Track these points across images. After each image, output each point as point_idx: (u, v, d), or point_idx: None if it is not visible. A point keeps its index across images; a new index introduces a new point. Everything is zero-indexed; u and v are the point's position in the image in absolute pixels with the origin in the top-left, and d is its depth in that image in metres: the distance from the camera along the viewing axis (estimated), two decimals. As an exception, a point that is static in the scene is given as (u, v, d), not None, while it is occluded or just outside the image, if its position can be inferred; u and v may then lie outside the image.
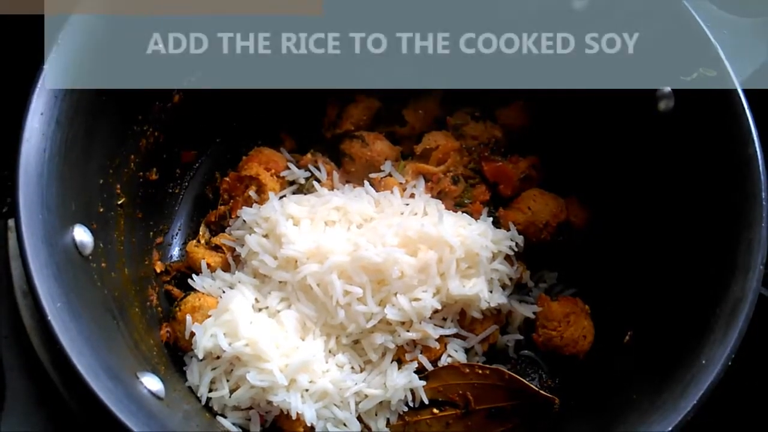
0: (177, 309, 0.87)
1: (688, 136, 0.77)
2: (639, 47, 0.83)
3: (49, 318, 0.58)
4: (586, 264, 0.95)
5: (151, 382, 0.68)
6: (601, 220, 0.94)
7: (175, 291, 0.92)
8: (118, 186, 0.82)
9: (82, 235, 0.70)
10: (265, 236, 0.90)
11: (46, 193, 0.65)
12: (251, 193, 0.95)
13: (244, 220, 0.93)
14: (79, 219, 0.70)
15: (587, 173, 0.94)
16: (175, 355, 0.87)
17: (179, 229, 0.99)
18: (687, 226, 0.77)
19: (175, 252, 0.98)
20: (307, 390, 0.82)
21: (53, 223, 0.65)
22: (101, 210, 0.78)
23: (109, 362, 0.61)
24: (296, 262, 0.87)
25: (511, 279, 0.92)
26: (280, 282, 0.88)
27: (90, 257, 0.71)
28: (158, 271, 0.93)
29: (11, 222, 0.66)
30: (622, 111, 0.86)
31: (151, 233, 0.93)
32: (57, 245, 0.64)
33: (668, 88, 0.80)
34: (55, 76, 0.68)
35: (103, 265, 0.74)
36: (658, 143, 0.81)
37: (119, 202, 0.83)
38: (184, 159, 0.99)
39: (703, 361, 0.64)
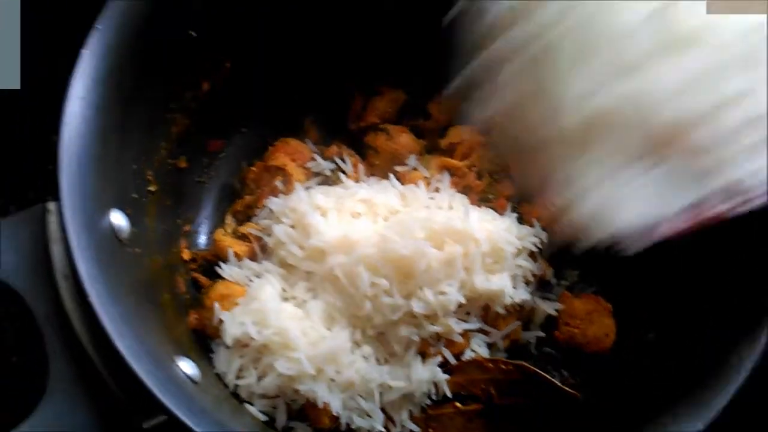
0: (205, 296, 0.88)
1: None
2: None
3: (92, 300, 0.59)
4: (608, 263, 0.95)
5: (187, 366, 0.68)
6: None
7: (202, 279, 0.93)
8: (150, 173, 0.83)
9: (119, 219, 0.70)
10: (292, 226, 0.91)
11: (86, 177, 0.66)
12: (277, 183, 0.96)
13: (270, 210, 0.93)
14: (115, 204, 0.71)
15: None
16: (202, 342, 0.87)
17: (206, 218, 1.00)
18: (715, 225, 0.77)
19: (202, 240, 0.98)
20: (333, 380, 0.83)
21: (93, 206, 0.66)
22: (135, 196, 0.78)
23: (148, 345, 0.62)
24: (323, 252, 0.88)
25: (534, 275, 0.93)
26: (307, 272, 0.88)
27: (126, 242, 0.72)
28: (186, 258, 0.93)
29: (51, 206, 0.66)
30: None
31: (179, 221, 0.94)
32: (97, 229, 0.65)
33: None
34: (95, 61, 0.69)
35: (137, 250, 0.75)
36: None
37: (151, 189, 0.83)
38: (210, 148, 1.00)
39: (734, 361, 0.65)
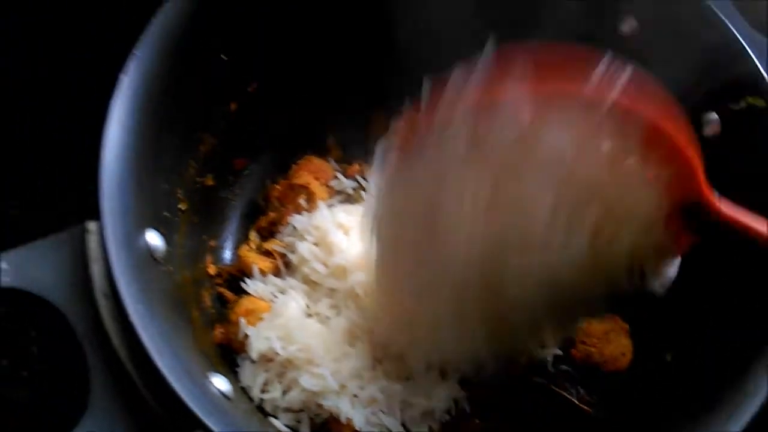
0: (230, 311, 0.90)
1: (735, 162, 0.79)
2: (684, 71, 0.85)
3: (132, 319, 0.61)
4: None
5: (220, 383, 0.71)
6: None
7: (227, 293, 0.95)
8: (181, 192, 0.86)
9: (154, 239, 0.73)
10: (316, 244, 0.93)
11: (125, 198, 0.68)
12: (301, 200, 0.98)
13: (294, 227, 0.96)
14: (151, 224, 0.74)
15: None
16: (227, 356, 0.90)
17: (230, 234, 1.02)
18: (734, 250, 0.79)
19: (227, 255, 1.01)
20: (356, 396, 0.85)
21: (131, 227, 0.68)
22: (167, 215, 0.81)
23: (184, 362, 0.64)
24: (345, 270, 0.90)
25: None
26: (330, 289, 0.91)
27: (160, 260, 0.74)
28: (211, 273, 0.96)
29: (90, 225, 0.69)
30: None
31: (205, 237, 0.97)
32: (135, 248, 0.68)
33: (714, 115, 0.82)
34: (133, 86, 0.71)
35: (170, 268, 0.77)
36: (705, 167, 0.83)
37: (181, 207, 0.86)
38: (236, 166, 1.02)
39: (750, 388, 0.66)
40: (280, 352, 0.84)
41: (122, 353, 0.63)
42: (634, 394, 0.87)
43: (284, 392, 0.85)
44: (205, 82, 0.84)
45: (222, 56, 0.86)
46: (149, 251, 0.71)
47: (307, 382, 0.83)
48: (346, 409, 0.83)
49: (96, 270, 0.66)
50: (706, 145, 0.81)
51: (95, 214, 0.67)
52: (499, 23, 0.94)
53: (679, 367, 0.82)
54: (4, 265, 0.68)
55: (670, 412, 0.75)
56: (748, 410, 0.65)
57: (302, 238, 0.94)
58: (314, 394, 0.83)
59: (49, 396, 0.92)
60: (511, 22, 0.93)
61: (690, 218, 0.61)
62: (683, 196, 0.61)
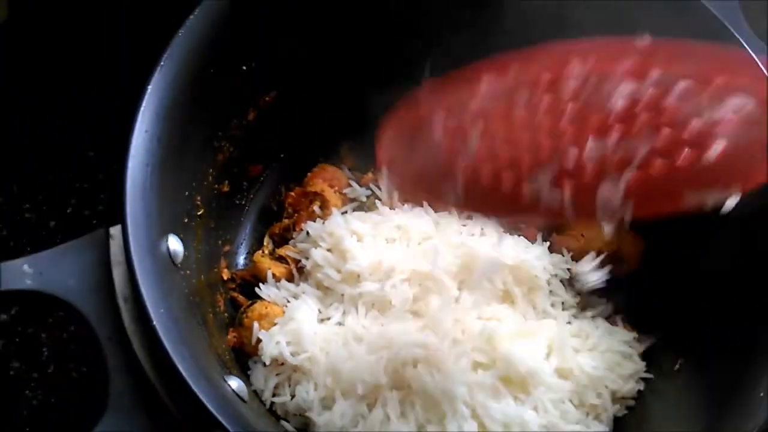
0: (244, 316, 0.91)
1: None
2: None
3: (154, 323, 0.63)
4: (634, 291, 0.98)
5: (236, 385, 0.72)
6: (653, 250, 0.97)
7: (241, 298, 0.97)
8: (199, 198, 0.87)
9: (174, 244, 0.75)
10: (330, 250, 0.95)
11: (148, 204, 0.70)
12: (315, 208, 1.00)
13: (308, 234, 0.98)
14: (171, 229, 0.75)
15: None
16: (240, 360, 0.91)
17: (244, 239, 1.04)
18: (742, 255, 0.79)
19: (240, 261, 1.02)
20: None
21: (154, 232, 0.70)
22: (186, 220, 0.82)
23: (203, 365, 0.66)
24: (359, 277, 0.92)
25: (563, 303, 0.96)
26: (343, 295, 0.92)
27: (179, 265, 0.76)
28: (225, 278, 0.97)
29: (112, 230, 0.70)
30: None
31: (220, 242, 0.98)
32: (157, 254, 0.69)
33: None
34: (158, 96, 0.73)
35: (188, 272, 0.79)
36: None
37: (199, 213, 0.87)
38: (251, 173, 1.04)
39: (761, 393, 0.67)
40: (289, 359, 0.85)
41: (142, 356, 0.65)
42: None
43: (292, 396, 0.86)
44: (227, 92, 0.86)
45: (243, 66, 0.88)
46: (170, 256, 0.73)
47: (303, 392, 0.84)
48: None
49: (117, 274, 0.68)
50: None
51: (117, 220, 0.69)
52: (513, 34, 0.97)
53: (688, 376, 0.83)
54: (26, 269, 0.69)
55: (678, 422, 0.76)
56: (756, 422, 0.66)
57: (316, 244, 0.96)
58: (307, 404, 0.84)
59: (63, 398, 0.94)
60: (523, 36, 0.96)
61: None
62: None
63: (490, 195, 0.64)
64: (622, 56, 0.59)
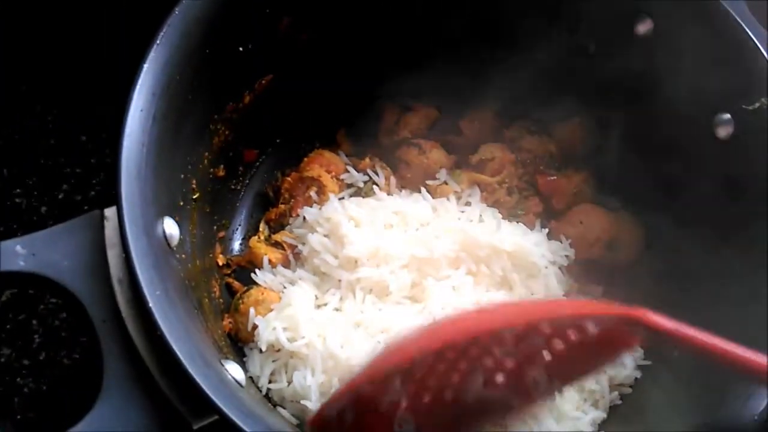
0: (240, 301, 0.90)
1: (750, 163, 0.80)
2: (699, 73, 0.85)
3: (150, 305, 0.61)
4: (632, 282, 0.97)
5: (234, 370, 0.71)
6: (653, 239, 0.96)
7: (236, 284, 0.95)
8: (194, 181, 0.86)
9: (170, 227, 0.73)
10: (327, 236, 0.93)
11: (144, 186, 0.68)
12: (312, 193, 0.99)
13: (305, 219, 0.96)
14: (167, 212, 0.74)
15: (641, 191, 0.96)
16: (235, 346, 0.90)
17: (239, 225, 1.03)
18: (746, 252, 0.79)
19: (236, 246, 1.01)
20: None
21: (149, 214, 0.68)
22: (181, 203, 0.81)
23: (201, 349, 0.65)
24: (356, 262, 0.90)
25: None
26: (340, 281, 0.91)
27: (174, 248, 0.74)
28: (220, 264, 0.96)
29: (107, 212, 0.69)
30: (680, 134, 0.89)
31: (215, 227, 0.97)
32: (153, 236, 0.68)
33: (727, 115, 0.83)
34: (154, 74, 0.72)
35: (183, 256, 0.77)
36: (718, 169, 0.84)
37: (194, 197, 0.86)
38: (246, 158, 1.03)
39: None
40: (286, 345, 0.84)
41: (137, 339, 0.64)
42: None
43: (289, 383, 0.85)
44: (222, 73, 0.84)
45: (240, 48, 0.86)
46: (165, 239, 0.72)
47: (301, 378, 0.83)
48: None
49: (112, 256, 0.67)
50: (720, 146, 0.83)
51: (112, 201, 0.68)
52: (512, 25, 0.96)
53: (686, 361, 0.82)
54: (20, 250, 0.68)
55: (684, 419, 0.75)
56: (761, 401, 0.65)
57: (313, 229, 0.94)
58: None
59: (55, 386, 0.92)
60: (525, 27, 0.95)
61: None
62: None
63: (441, 416, 0.66)
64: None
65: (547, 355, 0.62)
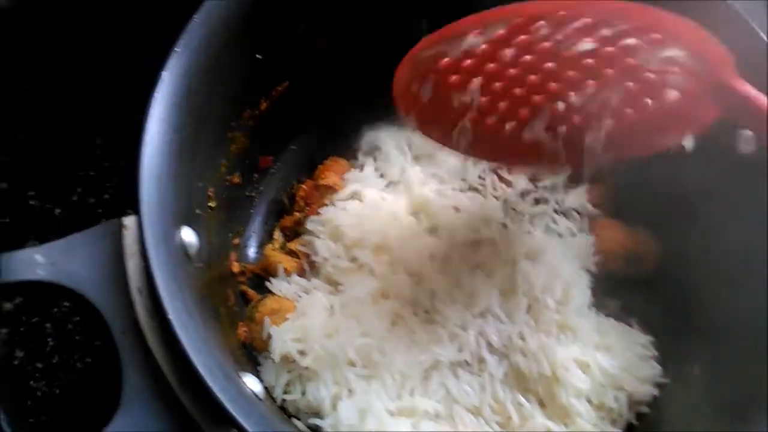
0: (255, 310, 0.90)
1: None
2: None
3: (170, 316, 0.61)
4: (650, 293, 0.97)
5: (252, 383, 0.71)
6: (670, 254, 0.95)
7: (251, 292, 0.95)
8: (212, 189, 0.86)
9: (189, 235, 0.73)
10: (332, 240, 0.93)
11: (164, 194, 0.68)
12: (327, 201, 0.98)
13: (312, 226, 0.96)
14: (185, 220, 0.73)
15: (660, 207, 0.95)
16: (250, 355, 0.89)
17: (253, 232, 1.02)
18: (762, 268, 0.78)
19: (250, 253, 1.01)
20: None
21: (169, 222, 0.68)
22: (198, 212, 0.81)
23: (220, 361, 0.64)
24: (364, 264, 0.90)
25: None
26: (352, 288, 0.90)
27: (192, 257, 0.74)
28: (235, 271, 0.96)
29: (126, 220, 0.68)
30: (700, 149, 0.88)
31: (230, 235, 0.97)
32: (172, 245, 0.68)
33: (749, 132, 0.81)
34: (174, 83, 0.71)
35: (200, 265, 0.77)
36: (738, 184, 0.83)
37: (211, 205, 0.86)
38: (261, 164, 1.03)
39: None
40: (298, 360, 0.84)
41: (156, 350, 0.63)
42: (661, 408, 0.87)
43: (303, 393, 0.85)
44: (240, 81, 0.84)
45: (257, 55, 0.86)
46: (184, 248, 0.71)
47: (314, 389, 0.83)
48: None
49: (131, 265, 0.66)
50: (741, 162, 0.81)
51: (131, 209, 0.67)
52: None
53: (707, 380, 0.82)
54: (39, 259, 0.67)
55: (697, 426, 0.74)
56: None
57: (316, 236, 0.94)
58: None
59: (68, 389, 0.92)
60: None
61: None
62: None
63: (495, 142, 0.75)
64: (574, 16, 0.63)
65: (613, 118, 0.65)
